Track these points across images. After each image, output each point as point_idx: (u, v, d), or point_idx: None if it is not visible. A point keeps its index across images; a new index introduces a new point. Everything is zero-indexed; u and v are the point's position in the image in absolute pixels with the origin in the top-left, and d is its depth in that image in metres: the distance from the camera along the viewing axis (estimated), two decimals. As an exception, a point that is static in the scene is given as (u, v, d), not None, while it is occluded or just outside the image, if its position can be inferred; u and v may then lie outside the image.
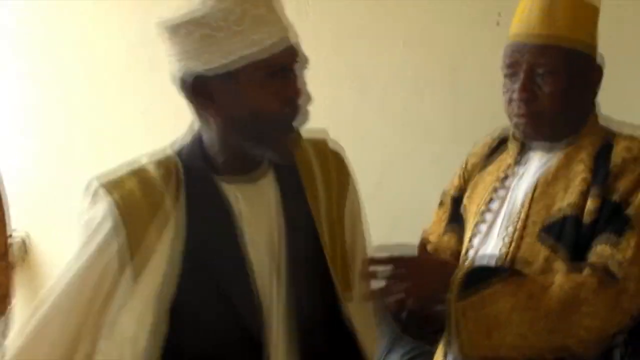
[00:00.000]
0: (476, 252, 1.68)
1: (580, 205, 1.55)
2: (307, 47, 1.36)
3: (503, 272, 1.55)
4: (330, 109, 2.71)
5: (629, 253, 1.48)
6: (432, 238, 1.82)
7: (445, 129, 2.74)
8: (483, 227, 1.69)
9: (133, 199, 1.31)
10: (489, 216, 1.69)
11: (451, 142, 2.65)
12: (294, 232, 1.39)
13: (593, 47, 1.65)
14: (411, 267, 1.52)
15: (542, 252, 1.57)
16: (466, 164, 1.84)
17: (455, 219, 1.78)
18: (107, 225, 1.29)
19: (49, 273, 3.26)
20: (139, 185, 1.33)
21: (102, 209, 1.30)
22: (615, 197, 1.53)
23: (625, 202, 1.52)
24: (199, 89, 1.29)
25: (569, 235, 1.55)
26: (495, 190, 1.70)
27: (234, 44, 1.26)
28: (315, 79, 1.39)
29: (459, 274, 1.51)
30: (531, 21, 1.61)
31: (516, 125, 1.66)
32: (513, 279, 1.51)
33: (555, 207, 1.58)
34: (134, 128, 3.16)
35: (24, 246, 3.31)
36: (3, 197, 2.19)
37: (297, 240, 1.39)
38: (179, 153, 1.38)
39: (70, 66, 3.26)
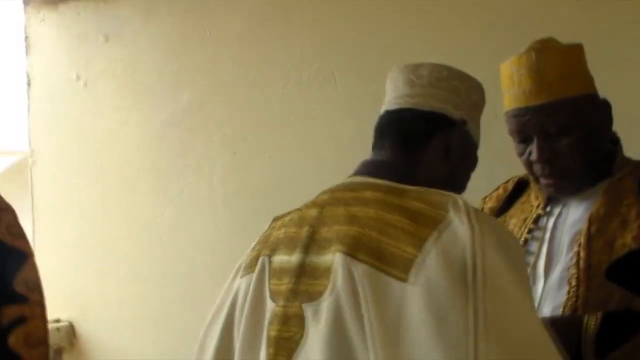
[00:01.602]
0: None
1: None
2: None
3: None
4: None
5: None
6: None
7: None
8: (524, 270, 1.64)
9: None
10: (529, 258, 1.63)
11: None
12: None
13: (591, 84, 1.62)
14: None
15: (616, 291, 1.51)
16: (482, 210, 1.77)
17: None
18: None
19: (97, 358, 3.25)
20: None
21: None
22: None
23: None
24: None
25: None
26: (530, 231, 1.66)
27: None
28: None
29: (591, 327, 1.46)
30: (523, 85, 1.58)
31: (547, 186, 1.63)
32: None
33: (618, 243, 1.53)
34: (168, 213, 3.18)
35: (73, 331, 3.28)
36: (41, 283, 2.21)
37: None
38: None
39: (106, 155, 3.31)
